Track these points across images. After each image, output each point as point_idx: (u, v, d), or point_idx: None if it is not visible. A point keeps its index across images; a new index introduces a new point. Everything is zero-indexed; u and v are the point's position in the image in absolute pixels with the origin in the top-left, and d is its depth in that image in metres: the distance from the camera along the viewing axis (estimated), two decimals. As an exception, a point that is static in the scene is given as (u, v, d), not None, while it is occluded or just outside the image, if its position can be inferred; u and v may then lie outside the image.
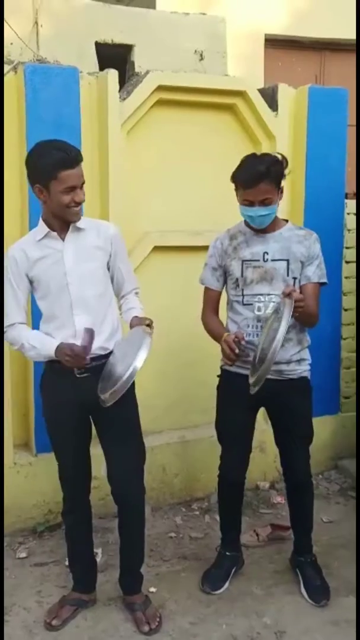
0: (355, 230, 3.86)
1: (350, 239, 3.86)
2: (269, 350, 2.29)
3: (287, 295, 2.36)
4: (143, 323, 2.34)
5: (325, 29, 5.72)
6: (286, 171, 2.54)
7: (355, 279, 3.88)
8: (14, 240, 2.53)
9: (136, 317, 2.42)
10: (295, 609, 2.64)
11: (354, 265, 3.89)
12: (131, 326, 2.41)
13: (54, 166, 2.22)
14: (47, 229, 2.36)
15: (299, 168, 3.66)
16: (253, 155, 2.56)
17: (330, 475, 3.84)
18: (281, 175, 2.50)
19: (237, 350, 2.46)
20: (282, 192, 2.54)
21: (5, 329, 2.42)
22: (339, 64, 6.02)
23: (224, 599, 2.71)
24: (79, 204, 2.29)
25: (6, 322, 2.41)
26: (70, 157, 2.24)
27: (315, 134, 3.62)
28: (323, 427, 3.79)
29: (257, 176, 2.42)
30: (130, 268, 2.61)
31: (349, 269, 3.89)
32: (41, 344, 2.36)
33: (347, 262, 3.88)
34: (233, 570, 2.83)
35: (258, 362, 2.42)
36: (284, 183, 2.55)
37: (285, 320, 2.27)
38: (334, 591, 2.70)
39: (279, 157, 2.51)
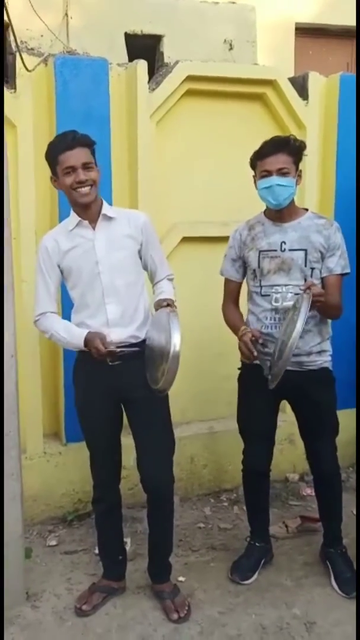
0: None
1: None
2: (285, 348, 2.29)
3: (307, 289, 2.34)
4: (162, 305, 2.35)
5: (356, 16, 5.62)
6: (305, 152, 2.57)
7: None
8: (44, 226, 2.55)
9: (157, 300, 2.44)
10: (326, 601, 2.63)
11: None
12: (156, 310, 2.44)
13: (54, 152, 2.32)
14: (78, 219, 2.39)
15: (330, 157, 3.61)
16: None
17: (360, 468, 3.80)
18: (300, 152, 2.52)
19: (255, 353, 2.48)
20: (300, 176, 2.55)
21: (37, 317, 2.46)
22: (371, 51, 5.94)
23: (253, 589, 2.71)
24: (81, 183, 2.30)
25: (38, 311, 2.45)
26: (67, 139, 2.29)
27: (346, 123, 3.56)
28: (352, 420, 3.74)
29: (277, 143, 2.49)
30: (163, 255, 2.61)
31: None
32: (70, 335, 2.38)
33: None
34: (262, 561, 2.82)
35: (277, 358, 2.41)
36: (301, 167, 2.57)
37: (302, 317, 2.26)
38: (364, 583, 2.68)
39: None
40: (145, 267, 2.53)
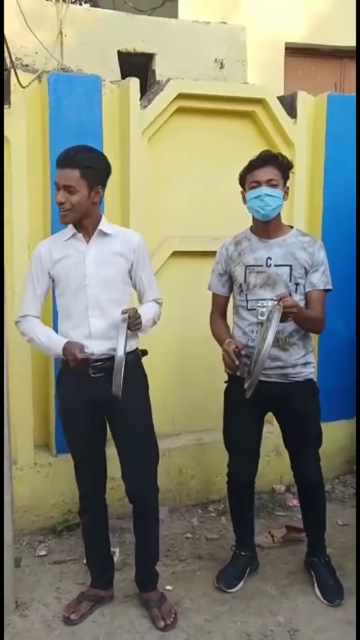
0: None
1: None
2: (259, 355, 2.34)
3: (279, 301, 2.39)
4: (123, 313, 2.36)
5: (345, 36, 5.71)
6: (292, 171, 2.66)
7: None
8: (37, 240, 2.61)
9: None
10: (309, 609, 2.67)
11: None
12: None
13: (56, 163, 2.35)
14: (74, 230, 2.44)
15: (318, 175, 3.69)
16: None
17: (346, 480, 3.86)
18: (288, 169, 2.61)
19: (237, 362, 2.52)
20: (287, 192, 2.63)
21: (18, 319, 2.51)
22: None
23: (239, 597, 2.75)
24: (58, 204, 2.35)
25: (21, 313, 2.51)
26: (62, 156, 2.33)
27: (334, 141, 3.65)
28: (339, 432, 3.81)
29: (266, 157, 2.57)
30: (153, 279, 2.63)
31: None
32: (49, 341, 2.43)
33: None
34: (248, 570, 2.86)
35: (252, 367, 2.47)
36: (289, 184, 2.64)
37: (273, 328, 2.31)
38: (348, 591, 2.72)
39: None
40: (134, 287, 2.58)
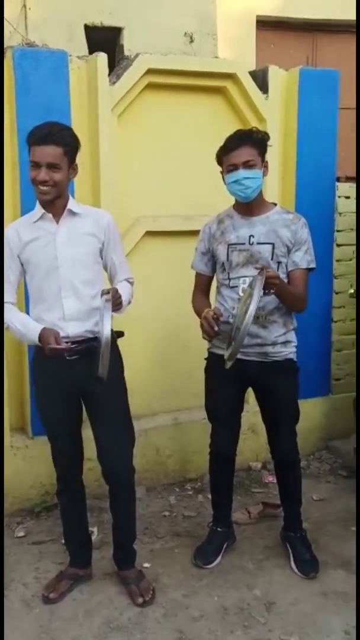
0: (345, 214, 3.89)
1: (341, 222, 3.88)
2: (242, 324, 2.31)
3: (260, 270, 2.36)
4: (103, 294, 2.33)
5: (318, 9, 5.66)
6: (269, 143, 2.60)
7: (347, 262, 3.93)
8: (7, 223, 2.55)
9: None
10: (285, 582, 2.72)
11: (346, 248, 3.92)
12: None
13: (29, 140, 2.30)
14: (42, 211, 2.40)
15: (290, 150, 3.67)
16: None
17: (321, 456, 3.92)
18: (264, 144, 2.56)
19: (216, 328, 2.46)
20: (266, 167, 2.59)
21: None
22: (331, 45, 5.98)
23: (216, 572, 2.79)
24: (40, 182, 2.29)
25: None
26: (42, 132, 2.27)
27: (306, 116, 3.62)
28: (314, 409, 3.86)
29: (241, 137, 2.53)
30: (124, 258, 2.61)
31: (340, 252, 3.92)
32: (26, 328, 2.38)
33: (339, 245, 3.91)
34: (225, 545, 2.90)
35: (233, 337, 2.45)
36: (267, 158, 2.60)
37: (255, 297, 2.27)
38: (322, 564, 2.78)
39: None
40: (105, 268, 2.55)
